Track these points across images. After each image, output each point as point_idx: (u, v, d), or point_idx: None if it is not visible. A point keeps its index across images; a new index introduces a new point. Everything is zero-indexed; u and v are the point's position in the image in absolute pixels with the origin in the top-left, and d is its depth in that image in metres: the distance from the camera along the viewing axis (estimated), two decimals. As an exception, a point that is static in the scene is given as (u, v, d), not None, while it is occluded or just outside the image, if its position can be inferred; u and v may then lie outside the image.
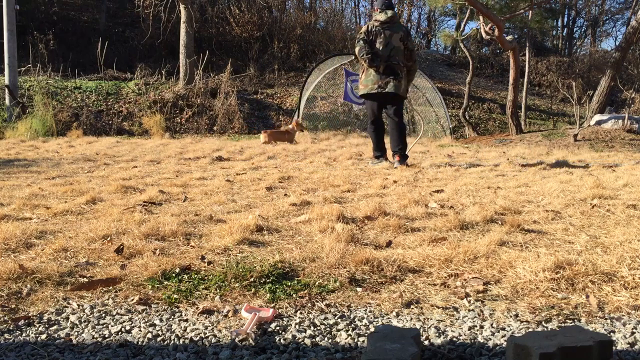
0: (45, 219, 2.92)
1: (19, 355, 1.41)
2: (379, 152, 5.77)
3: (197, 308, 1.71)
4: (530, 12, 13.89)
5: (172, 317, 1.65)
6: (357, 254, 2.15)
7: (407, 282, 1.96)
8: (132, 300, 1.77)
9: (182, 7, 12.99)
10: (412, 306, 1.75)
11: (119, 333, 1.55)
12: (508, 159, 6.33)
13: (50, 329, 1.57)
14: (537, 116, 16.65)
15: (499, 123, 15.13)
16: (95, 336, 1.52)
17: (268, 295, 1.81)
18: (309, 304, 1.75)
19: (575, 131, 9.31)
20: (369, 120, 5.79)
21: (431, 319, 1.65)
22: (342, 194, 3.83)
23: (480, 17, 11.86)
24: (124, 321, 1.62)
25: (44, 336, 1.52)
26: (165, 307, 1.72)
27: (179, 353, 1.42)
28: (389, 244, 2.44)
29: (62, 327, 1.58)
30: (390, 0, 5.71)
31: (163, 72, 13.76)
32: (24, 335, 1.53)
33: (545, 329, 1.58)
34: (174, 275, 1.97)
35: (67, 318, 1.64)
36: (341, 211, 2.98)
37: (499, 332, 1.56)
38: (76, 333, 1.55)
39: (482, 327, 1.59)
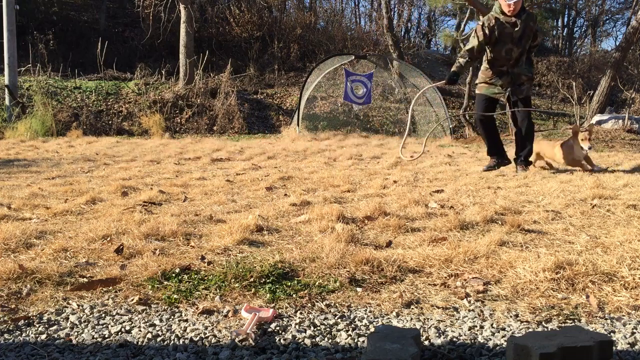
0: (45, 219, 2.92)
1: (19, 355, 1.41)
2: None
3: (197, 308, 1.71)
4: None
5: (172, 317, 1.65)
6: (357, 254, 2.15)
7: (407, 282, 1.96)
8: (132, 300, 1.77)
9: (182, 7, 12.98)
10: (412, 306, 1.75)
11: (119, 333, 1.54)
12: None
13: (50, 329, 1.57)
14: (537, 116, 16.64)
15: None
16: (95, 336, 1.52)
17: (268, 295, 1.81)
18: (309, 304, 1.75)
19: (575, 131, 9.29)
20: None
21: (431, 319, 1.65)
22: (342, 194, 3.82)
23: (481, 17, 11.86)
24: (124, 321, 1.62)
25: (43, 336, 1.52)
26: (165, 307, 1.72)
27: (179, 353, 1.42)
28: (389, 244, 2.44)
29: (62, 327, 1.58)
30: None
31: (163, 72, 13.75)
32: (24, 335, 1.53)
33: (546, 329, 1.58)
34: (174, 275, 1.97)
35: (67, 318, 1.64)
36: (341, 211, 2.98)
37: (499, 332, 1.56)
38: (76, 333, 1.55)
39: (482, 327, 1.59)
